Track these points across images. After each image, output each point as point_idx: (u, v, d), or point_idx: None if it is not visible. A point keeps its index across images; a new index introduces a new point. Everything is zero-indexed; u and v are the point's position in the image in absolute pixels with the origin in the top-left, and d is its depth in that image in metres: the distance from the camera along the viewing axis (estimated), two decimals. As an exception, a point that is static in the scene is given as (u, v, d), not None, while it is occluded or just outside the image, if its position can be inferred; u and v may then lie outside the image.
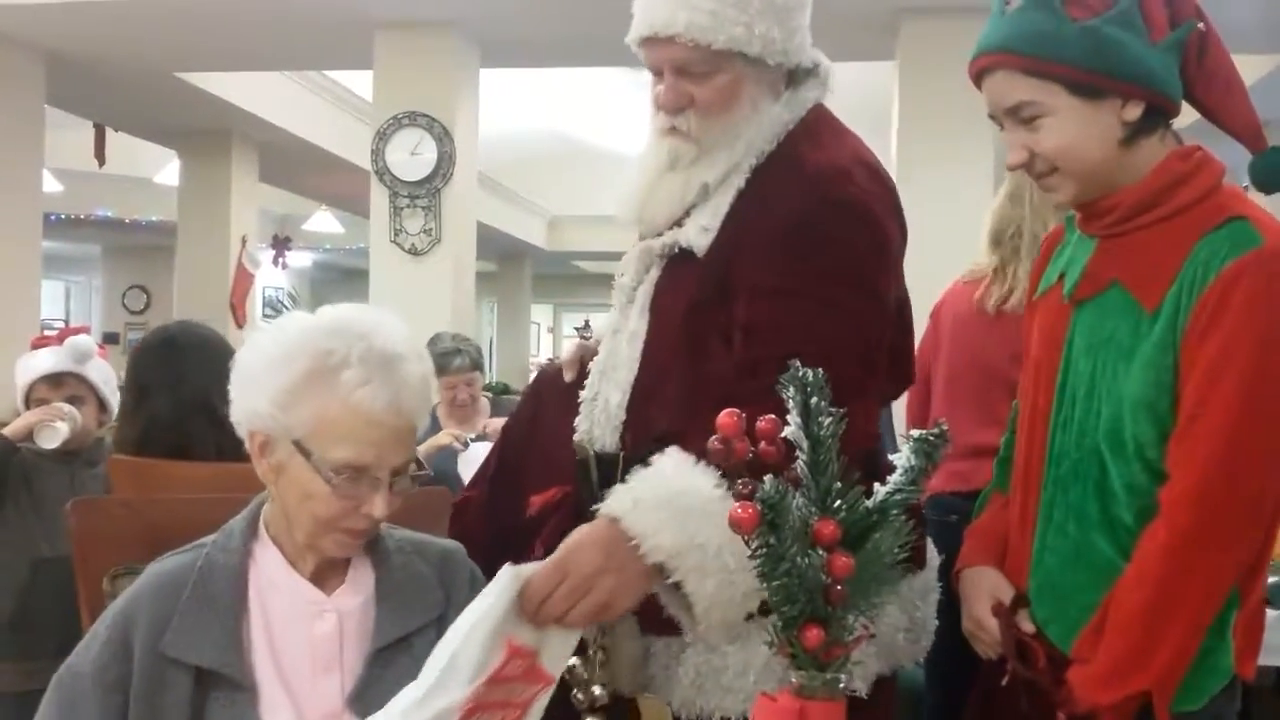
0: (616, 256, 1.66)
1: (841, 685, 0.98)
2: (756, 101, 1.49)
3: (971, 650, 1.54)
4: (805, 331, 1.35)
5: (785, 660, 1.31)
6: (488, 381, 8.13)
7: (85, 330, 2.80)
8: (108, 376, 2.73)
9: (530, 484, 1.62)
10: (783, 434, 1.01)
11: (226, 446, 2.09)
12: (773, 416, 1.03)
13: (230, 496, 1.43)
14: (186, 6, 5.21)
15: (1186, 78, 1.39)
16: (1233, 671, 1.35)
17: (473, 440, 3.70)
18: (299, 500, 1.28)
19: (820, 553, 0.96)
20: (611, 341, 1.55)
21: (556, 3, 4.94)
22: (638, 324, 1.52)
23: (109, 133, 7.57)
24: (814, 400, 0.98)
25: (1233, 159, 1.46)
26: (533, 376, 2.07)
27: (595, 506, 1.31)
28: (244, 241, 7.79)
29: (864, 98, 6.85)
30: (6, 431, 2.55)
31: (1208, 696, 1.34)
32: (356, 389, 1.24)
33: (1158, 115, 1.38)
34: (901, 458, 1.06)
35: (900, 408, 2.79)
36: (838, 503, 0.97)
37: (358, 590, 1.34)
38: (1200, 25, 1.38)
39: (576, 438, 1.55)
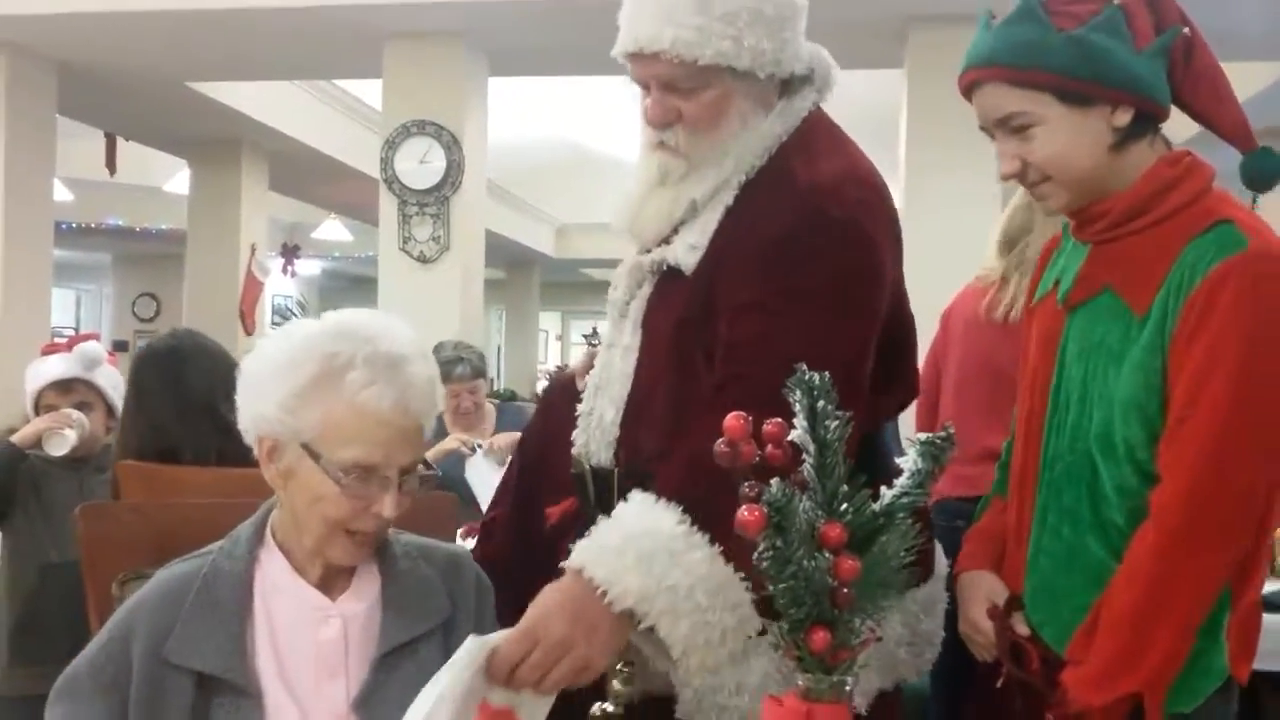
0: (625, 265, 1.66)
1: (848, 688, 0.98)
2: (746, 116, 1.45)
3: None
4: (781, 350, 1.29)
5: (780, 680, 1.31)
6: (496, 389, 8.13)
7: (95, 337, 2.81)
8: (117, 383, 2.74)
9: (550, 495, 1.62)
10: (789, 438, 1.01)
11: (229, 452, 2.10)
12: (779, 420, 1.03)
13: (239, 501, 1.44)
14: (197, 17, 5.24)
15: (1174, 82, 1.40)
16: (1227, 673, 1.36)
17: (480, 447, 3.71)
18: (309, 503, 1.28)
19: (826, 555, 0.96)
20: (606, 356, 1.54)
21: (564, 13, 4.96)
22: (631, 339, 1.51)
23: (120, 142, 7.60)
24: (820, 404, 0.98)
25: (1231, 165, 1.46)
26: (542, 385, 2.07)
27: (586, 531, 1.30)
28: (253, 250, 7.81)
29: (872, 106, 6.86)
30: (15, 439, 2.56)
31: (1202, 698, 1.35)
32: (362, 390, 1.25)
33: (1147, 121, 1.40)
34: (908, 460, 1.06)
35: (908, 413, 2.79)
36: (844, 506, 0.97)
37: (363, 595, 1.34)
38: (1185, 30, 1.39)
39: (574, 452, 1.54)
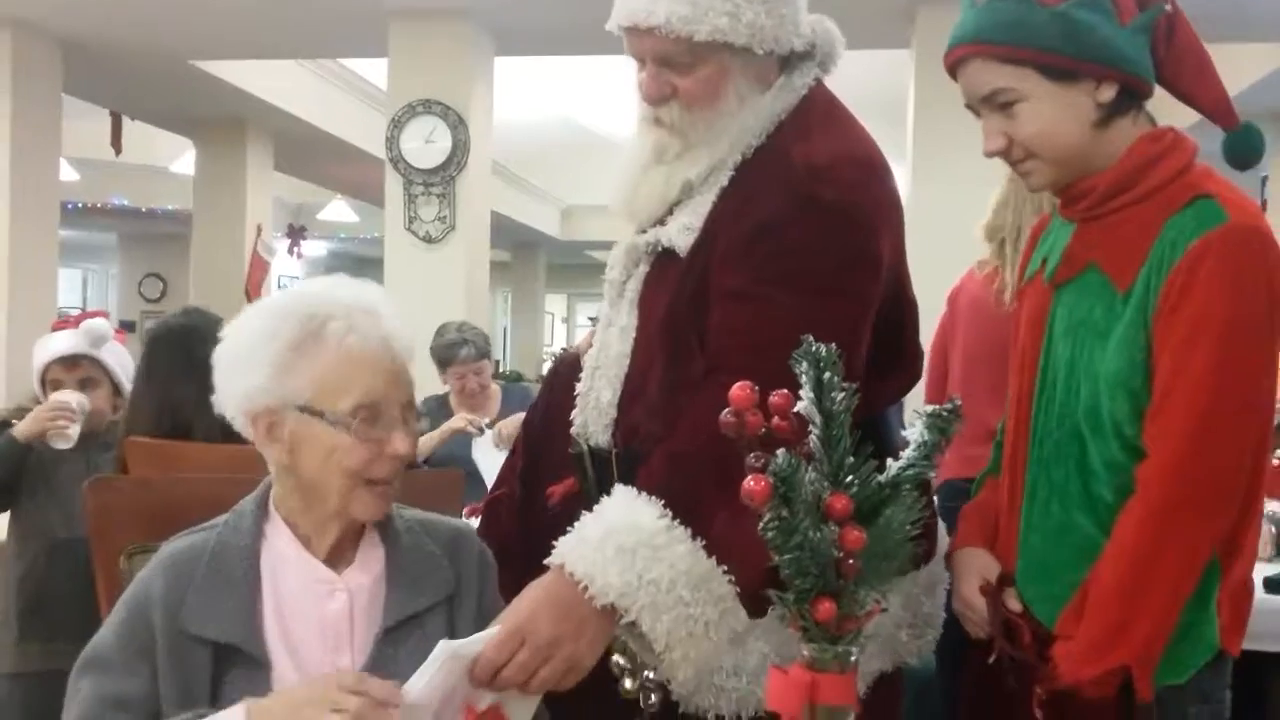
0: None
1: (853, 659, 0.98)
2: (744, 94, 1.43)
3: None
4: (766, 338, 1.29)
5: (781, 662, 1.32)
6: (501, 371, 8.14)
7: (104, 315, 2.81)
8: (123, 361, 2.75)
9: (552, 475, 1.61)
10: (795, 409, 1.01)
11: (235, 431, 2.10)
12: (785, 391, 1.03)
13: (246, 476, 1.44)
14: (202, -6, 5.24)
15: (1157, 59, 1.41)
16: (1218, 645, 1.37)
17: (487, 426, 3.72)
18: (323, 462, 1.28)
19: (832, 527, 0.96)
20: (603, 336, 1.53)
21: (571, -10, 4.94)
22: (628, 320, 1.50)
23: (125, 121, 7.60)
24: (827, 375, 0.98)
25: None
26: (548, 368, 2.06)
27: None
28: (259, 230, 7.82)
29: (879, 87, 6.83)
30: (18, 433, 2.55)
31: (1193, 669, 1.37)
32: (346, 337, 1.28)
33: (1130, 97, 1.40)
34: (914, 433, 1.06)
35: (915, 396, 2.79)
36: (850, 477, 0.97)
37: (368, 569, 1.34)
38: (1168, 7, 1.40)
39: (573, 431, 1.54)
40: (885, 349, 1.44)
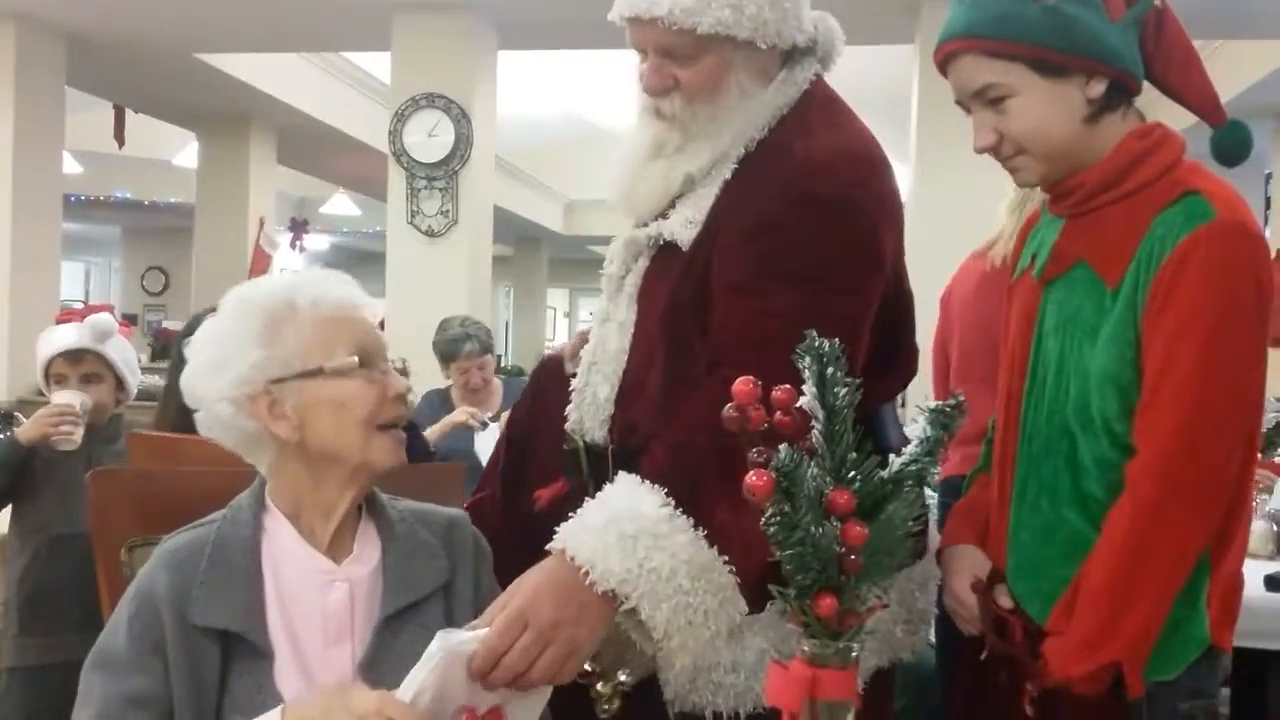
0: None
1: (854, 655, 0.98)
2: (745, 88, 1.42)
3: None
4: (766, 334, 1.29)
5: (780, 659, 1.32)
6: (503, 366, 8.15)
7: (109, 309, 2.81)
8: (127, 356, 2.74)
9: (537, 476, 1.61)
10: (798, 403, 1.01)
11: None
12: (788, 386, 1.03)
13: (246, 469, 1.44)
14: (206, -13, 5.24)
15: (1145, 54, 1.41)
16: (1208, 641, 1.37)
17: (490, 420, 3.72)
18: (335, 416, 1.30)
19: (834, 522, 0.96)
20: (601, 331, 1.52)
21: (574, -15, 4.94)
22: (626, 314, 1.49)
23: (128, 114, 7.60)
24: (830, 370, 0.98)
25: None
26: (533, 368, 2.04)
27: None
28: (262, 223, 7.82)
29: (883, 82, 6.82)
30: (20, 435, 2.55)
31: (1184, 665, 1.37)
32: (315, 304, 1.32)
33: (1120, 93, 1.40)
34: (917, 428, 1.06)
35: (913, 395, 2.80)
36: (852, 473, 0.97)
37: (365, 560, 1.35)
38: (1157, 2, 1.40)
39: (568, 427, 1.53)
40: (882, 346, 1.44)
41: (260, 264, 7.77)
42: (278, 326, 1.30)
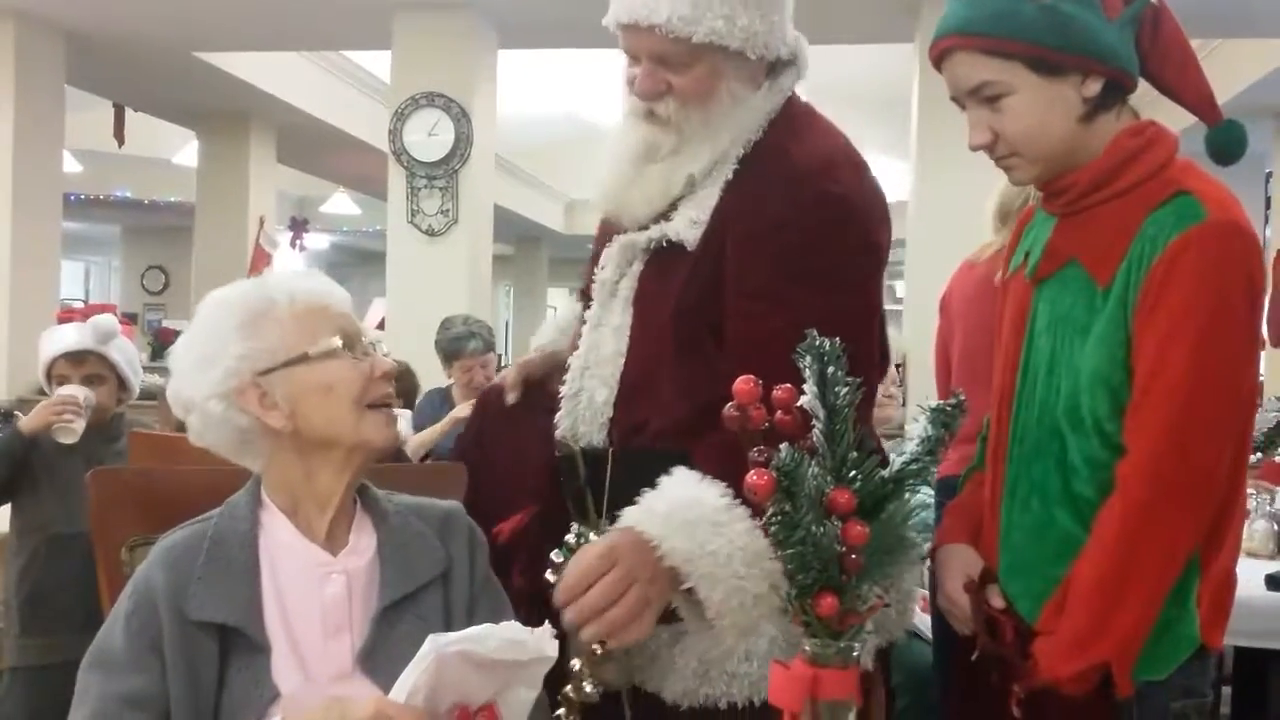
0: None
1: (855, 654, 0.98)
2: (736, 94, 1.45)
3: None
4: (791, 334, 1.28)
5: (785, 645, 1.33)
6: (504, 364, 8.14)
7: (112, 309, 2.81)
8: (130, 356, 2.75)
9: (491, 509, 1.60)
10: (799, 403, 1.01)
11: None
12: (788, 385, 1.03)
13: (247, 469, 1.44)
14: (206, -14, 5.23)
15: (1141, 52, 1.41)
16: (1199, 641, 1.37)
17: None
18: (325, 400, 1.31)
19: (835, 521, 0.96)
20: (593, 336, 1.53)
21: (575, -16, 4.94)
22: (622, 319, 1.50)
23: (128, 113, 7.60)
24: (830, 370, 0.98)
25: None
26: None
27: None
28: (262, 222, 7.82)
29: (883, 81, 6.82)
30: (23, 425, 2.56)
31: (1174, 665, 1.37)
32: (292, 299, 1.34)
33: (1115, 91, 1.40)
34: (918, 427, 1.06)
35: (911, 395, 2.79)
36: (853, 472, 0.97)
37: (362, 552, 1.36)
38: (1154, 1, 1.40)
39: (559, 434, 1.53)
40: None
41: (260, 263, 7.76)
42: (258, 320, 1.32)
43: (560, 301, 19.17)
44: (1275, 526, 2.93)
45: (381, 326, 5.80)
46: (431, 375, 4.41)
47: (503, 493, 1.59)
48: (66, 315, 2.75)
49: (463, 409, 3.77)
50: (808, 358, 0.99)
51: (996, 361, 1.56)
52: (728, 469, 1.28)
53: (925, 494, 1.10)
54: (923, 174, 5.23)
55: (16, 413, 2.62)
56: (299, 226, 11.75)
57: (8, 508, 2.69)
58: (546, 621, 1.18)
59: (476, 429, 1.77)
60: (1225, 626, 1.40)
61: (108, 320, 2.67)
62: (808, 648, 0.99)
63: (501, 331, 15.28)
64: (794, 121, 1.49)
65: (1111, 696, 1.34)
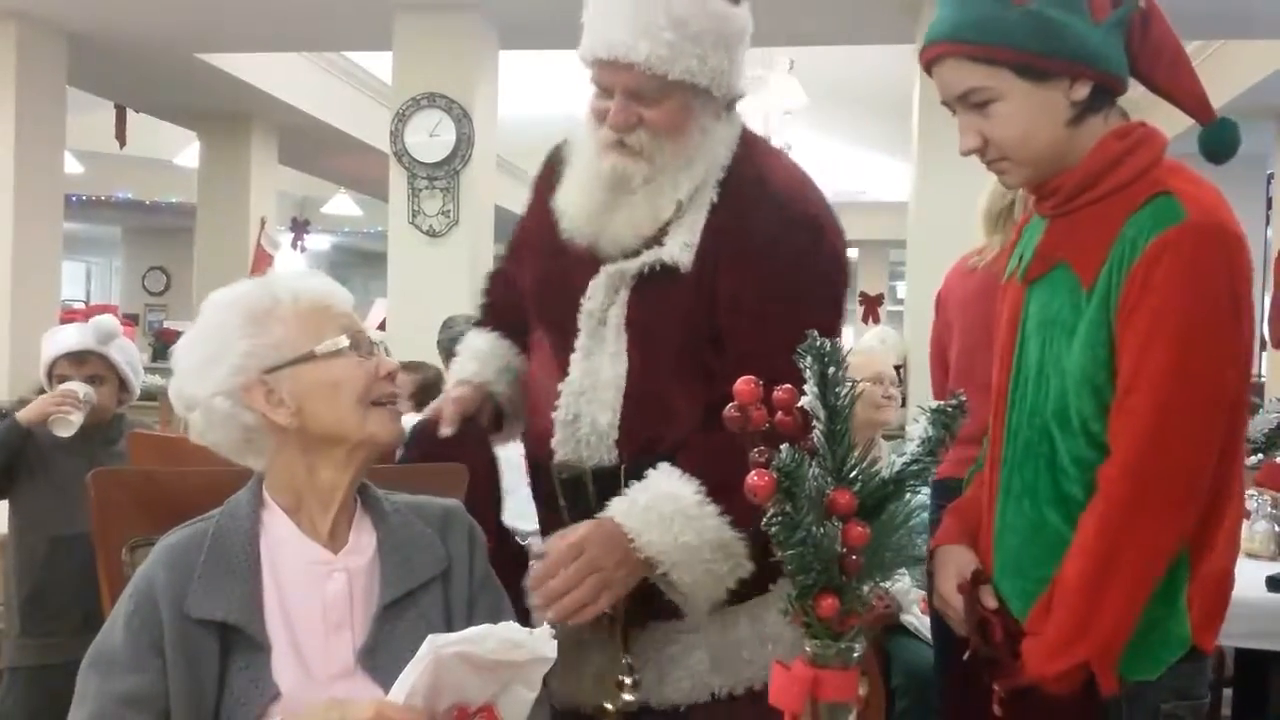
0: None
1: (855, 655, 0.98)
2: (705, 128, 1.54)
3: None
4: (786, 346, 1.36)
5: (793, 629, 1.35)
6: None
7: (113, 310, 2.81)
8: (131, 357, 2.75)
9: None
10: (799, 404, 1.01)
11: None
12: (789, 386, 1.04)
13: (248, 469, 1.44)
14: (207, -13, 5.23)
15: (1132, 55, 1.41)
16: (1190, 641, 1.37)
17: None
18: (331, 397, 1.32)
19: (836, 522, 0.96)
20: (586, 364, 1.57)
21: (576, -15, 4.94)
22: (616, 345, 1.55)
23: (130, 114, 7.60)
24: (831, 370, 0.98)
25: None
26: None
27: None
28: (263, 223, 7.82)
29: (885, 82, 6.82)
30: (21, 416, 2.56)
31: (1164, 666, 1.37)
32: (296, 297, 1.35)
33: (1104, 94, 1.40)
34: (918, 428, 1.06)
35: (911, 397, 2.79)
36: (854, 473, 0.97)
37: (362, 550, 1.36)
38: (1142, 3, 1.40)
39: (560, 459, 1.59)
40: None
41: (262, 264, 7.76)
42: (262, 318, 1.33)
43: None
44: (1276, 528, 2.93)
45: (382, 327, 5.80)
46: (433, 377, 4.41)
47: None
48: (68, 316, 2.76)
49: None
50: (809, 358, 0.99)
51: (994, 363, 1.57)
52: (708, 467, 1.45)
53: (923, 495, 1.11)
54: (924, 174, 5.22)
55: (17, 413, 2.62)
56: (300, 227, 11.76)
57: (6, 509, 2.69)
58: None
59: (416, 460, 1.80)
60: (1219, 628, 1.41)
61: (109, 321, 2.68)
62: (808, 649, 0.99)
63: (502, 332, 15.24)
64: (753, 148, 1.60)
65: (1100, 696, 1.34)
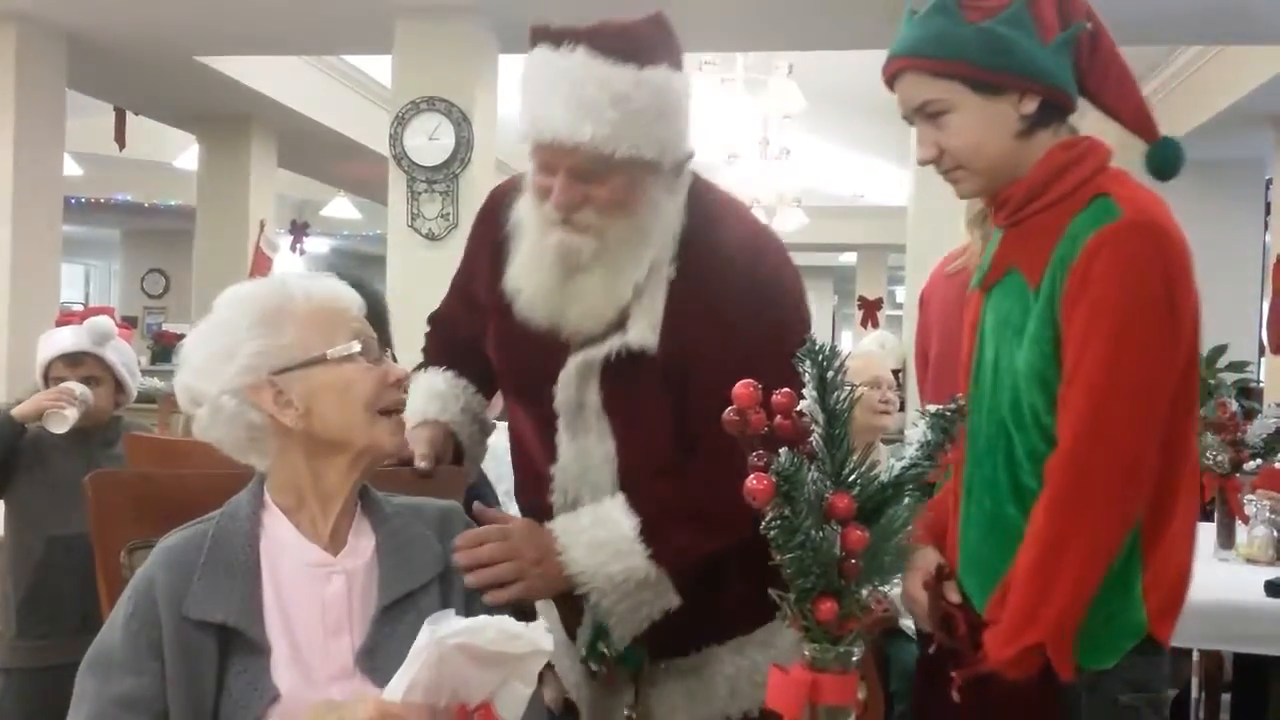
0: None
1: (854, 659, 0.98)
2: (655, 200, 1.52)
3: None
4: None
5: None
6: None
7: (109, 312, 2.81)
8: (127, 358, 2.74)
9: None
10: (798, 408, 1.01)
11: None
12: (788, 390, 1.04)
13: (246, 471, 1.44)
14: (207, -10, 5.24)
15: (1080, 74, 1.49)
16: (1145, 629, 1.41)
17: (495, 420, 3.72)
18: (341, 400, 1.32)
19: (834, 526, 0.96)
20: (573, 447, 1.60)
21: (576, -11, 4.94)
22: (599, 426, 1.57)
23: (129, 117, 7.60)
24: (829, 374, 0.98)
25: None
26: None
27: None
28: (262, 226, 7.82)
29: (878, 86, 6.82)
30: (16, 412, 2.56)
31: (1120, 654, 1.41)
32: (308, 295, 1.36)
33: (1053, 110, 1.48)
34: (917, 432, 1.06)
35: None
36: (852, 477, 0.98)
37: (361, 552, 1.37)
38: (1089, 25, 1.48)
39: None
40: None
41: (261, 267, 7.76)
42: (274, 317, 1.33)
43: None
44: (1275, 533, 2.93)
45: (381, 330, 5.80)
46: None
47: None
48: (65, 318, 2.75)
49: None
50: (807, 362, 0.99)
51: (959, 370, 1.63)
52: (651, 506, 1.51)
53: None
54: (923, 179, 5.23)
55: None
56: (299, 230, 11.76)
57: (3, 509, 2.69)
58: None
59: None
60: (1175, 621, 1.45)
61: (104, 322, 2.67)
62: (807, 653, 0.99)
63: (501, 336, 15.25)
64: (703, 203, 1.58)
65: (1059, 687, 1.38)
